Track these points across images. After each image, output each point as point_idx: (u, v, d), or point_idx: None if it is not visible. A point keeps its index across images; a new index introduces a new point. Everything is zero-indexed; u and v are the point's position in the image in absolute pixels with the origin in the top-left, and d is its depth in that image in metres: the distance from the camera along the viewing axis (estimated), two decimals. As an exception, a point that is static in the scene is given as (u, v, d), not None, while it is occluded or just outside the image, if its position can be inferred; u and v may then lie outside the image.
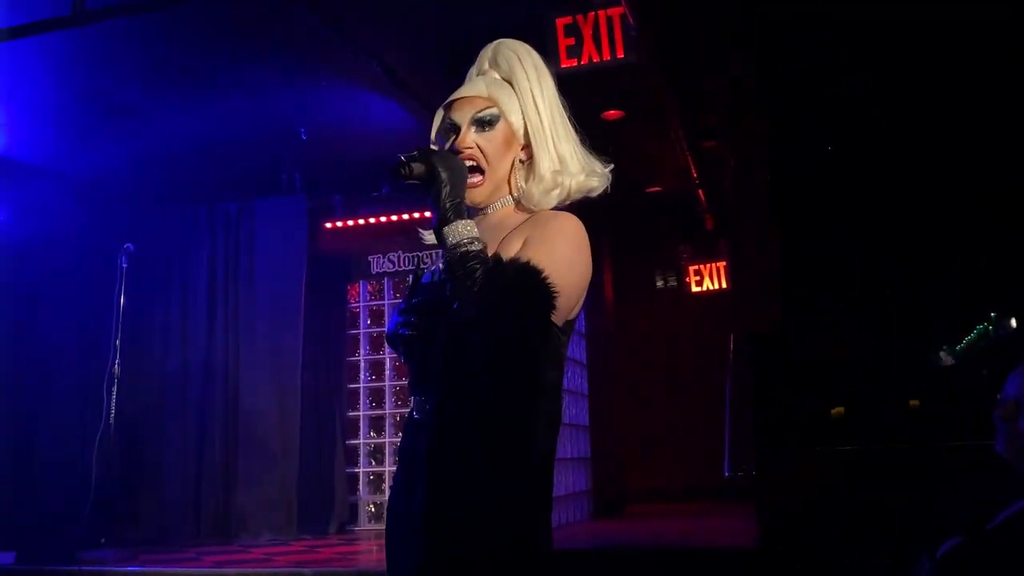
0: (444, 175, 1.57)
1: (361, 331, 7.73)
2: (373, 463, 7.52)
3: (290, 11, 4.86)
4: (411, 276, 1.79)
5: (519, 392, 1.55)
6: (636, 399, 9.30)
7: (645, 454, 9.22)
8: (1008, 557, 1.81)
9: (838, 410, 4.87)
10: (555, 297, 1.50)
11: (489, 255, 1.53)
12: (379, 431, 7.56)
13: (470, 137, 1.69)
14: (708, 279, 9.00)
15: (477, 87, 1.72)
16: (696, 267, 9.06)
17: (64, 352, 6.60)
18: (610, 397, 8.48)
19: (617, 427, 8.66)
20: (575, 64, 4.75)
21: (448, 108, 1.73)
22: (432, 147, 1.74)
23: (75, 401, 6.49)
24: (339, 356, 7.64)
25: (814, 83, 6.11)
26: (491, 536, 1.50)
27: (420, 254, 6.99)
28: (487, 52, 1.77)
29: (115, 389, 5.69)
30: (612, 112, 6.33)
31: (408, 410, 1.71)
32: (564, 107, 1.75)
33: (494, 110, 1.70)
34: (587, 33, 4.75)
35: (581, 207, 1.75)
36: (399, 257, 7.50)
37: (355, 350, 7.71)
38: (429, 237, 1.77)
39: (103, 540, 5.46)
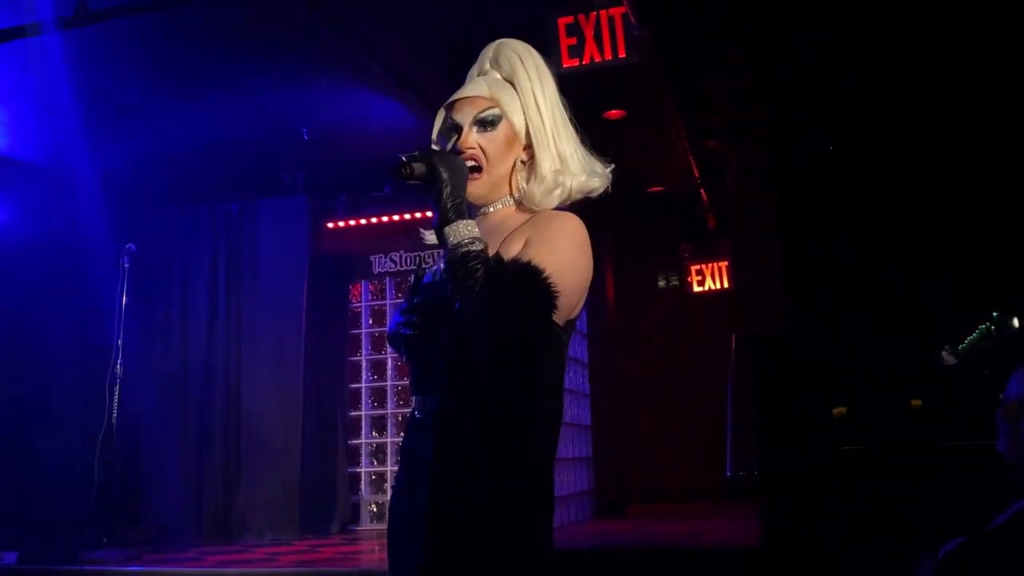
0: (445, 175, 1.56)
1: (363, 331, 7.73)
2: (375, 463, 7.52)
3: (290, 11, 4.86)
4: (413, 276, 1.79)
5: (521, 392, 1.55)
6: (638, 399, 9.29)
7: (646, 454, 9.22)
8: (1009, 557, 1.81)
9: (840, 410, 4.87)
10: (556, 297, 1.50)
11: (490, 255, 1.53)
12: (381, 431, 7.56)
13: (472, 137, 1.69)
14: (710, 279, 8.99)
15: (479, 87, 1.72)
16: (698, 267, 9.05)
17: (65, 352, 6.60)
18: (612, 397, 8.48)
19: (619, 427, 8.66)
20: (577, 64, 4.75)
21: (450, 108, 1.73)
22: (433, 147, 1.74)
23: (77, 401, 6.49)
24: (341, 356, 7.64)
25: (814, 83, 6.12)
26: (493, 536, 1.50)
27: (422, 254, 6.98)
28: (488, 52, 1.77)
29: (117, 389, 5.70)
30: (614, 112, 6.33)
31: (410, 410, 1.71)
32: (565, 107, 1.75)
33: (496, 110, 1.70)
34: (589, 33, 4.74)
35: (583, 207, 1.75)
36: (401, 257, 7.50)
37: (357, 350, 7.72)
38: (430, 237, 1.77)
39: (105, 540, 5.46)
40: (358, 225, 7.39)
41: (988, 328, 6.11)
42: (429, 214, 1.60)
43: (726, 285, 8.90)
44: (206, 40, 5.21)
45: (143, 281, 6.44)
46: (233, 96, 5.86)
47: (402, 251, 7.48)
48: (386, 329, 7.00)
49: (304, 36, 5.15)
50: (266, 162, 6.93)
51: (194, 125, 6.14)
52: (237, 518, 6.68)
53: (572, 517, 6.99)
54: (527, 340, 1.51)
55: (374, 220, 7.33)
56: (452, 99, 1.73)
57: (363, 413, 7.59)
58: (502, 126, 1.70)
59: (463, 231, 1.53)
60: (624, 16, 4.73)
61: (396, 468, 1.90)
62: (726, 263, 8.90)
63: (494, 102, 1.70)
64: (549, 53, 2.93)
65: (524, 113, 1.71)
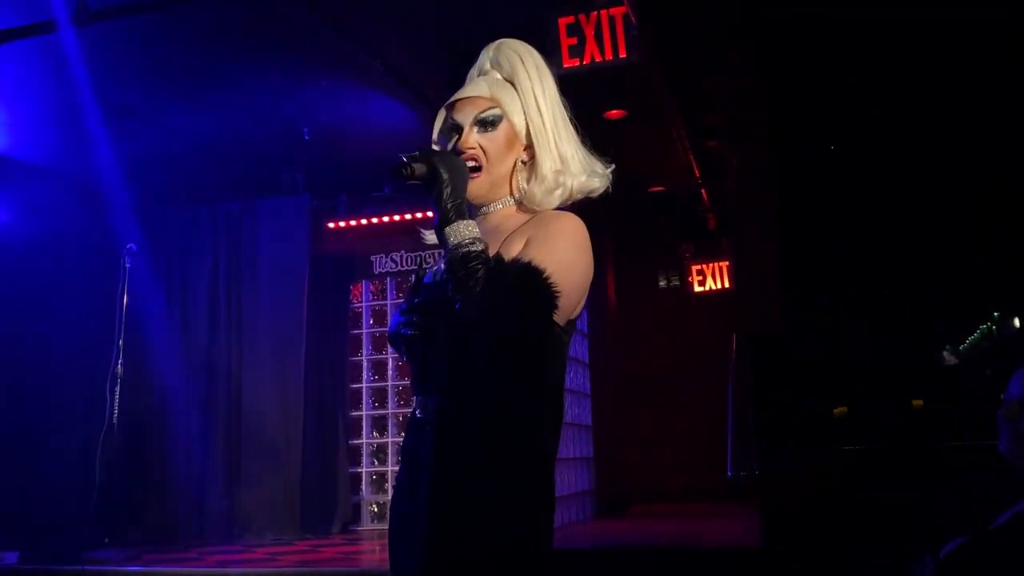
0: (445, 175, 1.56)
1: (364, 331, 7.73)
2: (376, 463, 7.52)
3: (290, 11, 4.86)
4: (414, 276, 1.79)
5: (521, 392, 1.55)
6: (638, 399, 9.30)
7: (647, 454, 9.22)
8: (1011, 557, 1.81)
9: (841, 410, 4.87)
10: (557, 297, 1.50)
11: (491, 255, 1.53)
12: (382, 431, 7.56)
13: (473, 138, 1.69)
14: (711, 279, 8.99)
15: (479, 87, 1.72)
16: (699, 267, 9.05)
17: (67, 352, 6.60)
18: (612, 397, 8.48)
19: (619, 427, 8.66)
20: (577, 64, 4.75)
21: (450, 108, 1.73)
22: (434, 147, 1.74)
23: (78, 401, 6.50)
24: (342, 356, 7.65)
25: (814, 83, 6.12)
26: (494, 536, 1.50)
27: (423, 254, 6.98)
28: (488, 52, 1.77)
29: (118, 389, 5.70)
30: (615, 112, 6.34)
31: (411, 410, 1.71)
32: (565, 107, 1.75)
33: (497, 111, 1.69)
34: (589, 33, 4.74)
35: (583, 207, 1.75)
36: (402, 257, 7.50)
37: (358, 350, 7.72)
38: (431, 237, 1.77)
39: (107, 540, 5.47)
40: (359, 225, 7.39)
41: (989, 328, 6.11)
42: (430, 214, 1.60)
43: (727, 285, 8.90)
44: (206, 40, 5.21)
45: (145, 281, 6.44)
46: (233, 96, 5.86)
47: (403, 251, 7.49)
48: (387, 329, 6.99)
49: (304, 36, 5.16)
50: (267, 162, 6.93)
51: (194, 125, 6.15)
52: (238, 518, 6.68)
53: (573, 517, 6.99)
54: (528, 340, 1.51)
55: (375, 220, 7.33)
56: (453, 99, 1.73)
57: (364, 413, 7.59)
58: (503, 126, 1.70)
59: (463, 231, 1.53)
60: (625, 16, 4.73)
61: (397, 468, 1.91)
62: (727, 263, 8.90)
63: (495, 102, 1.70)
64: (550, 53, 2.93)
65: (525, 113, 1.70)
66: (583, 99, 1.90)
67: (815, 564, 4.27)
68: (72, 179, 6.77)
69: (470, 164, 1.67)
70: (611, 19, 4.75)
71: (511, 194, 1.73)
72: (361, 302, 7.79)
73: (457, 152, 1.67)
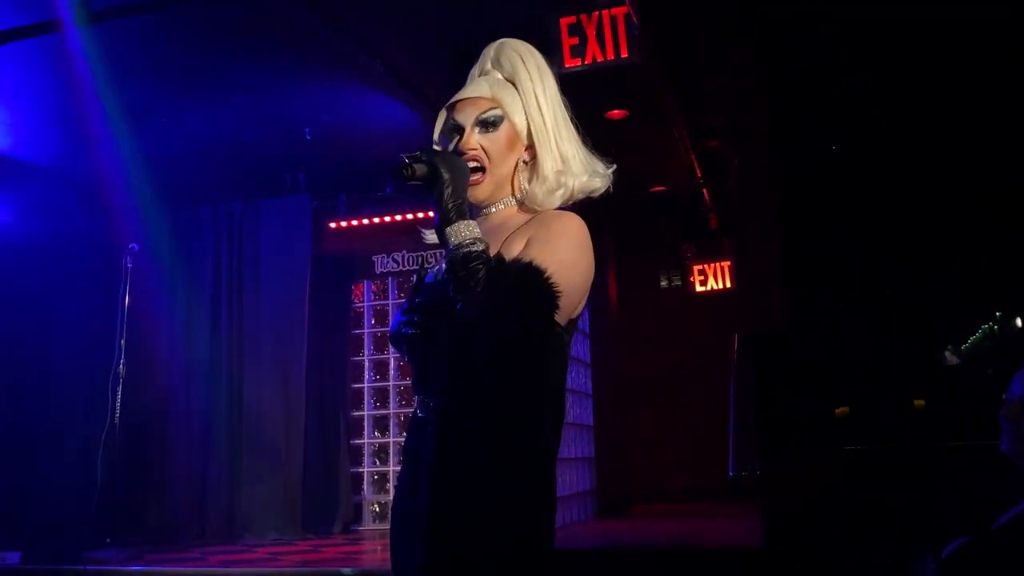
0: (446, 175, 1.56)
1: (365, 331, 7.73)
2: (377, 463, 7.52)
3: (290, 11, 4.86)
4: (415, 276, 1.79)
5: (522, 392, 1.55)
6: (640, 398, 9.29)
7: (648, 454, 9.22)
8: (1012, 557, 1.81)
9: (843, 410, 4.86)
10: (558, 297, 1.50)
11: (492, 255, 1.53)
12: (383, 431, 7.56)
13: (474, 138, 1.69)
14: (712, 279, 8.99)
15: (480, 88, 1.71)
16: (700, 266, 9.05)
17: (69, 352, 6.61)
18: (614, 397, 8.47)
19: (621, 427, 8.66)
20: (579, 64, 4.75)
21: (451, 109, 1.73)
22: (435, 147, 1.74)
23: (80, 401, 6.51)
24: (343, 356, 7.65)
25: (815, 83, 6.11)
26: (495, 536, 1.50)
27: (424, 254, 6.98)
28: (489, 52, 1.77)
29: (120, 389, 5.70)
30: (616, 112, 6.34)
31: (412, 409, 1.71)
32: (566, 107, 1.75)
33: (498, 111, 1.69)
34: (591, 33, 4.74)
35: (584, 207, 1.74)
36: (403, 257, 7.50)
37: (359, 350, 7.72)
38: (431, 237, 1.77)
39: (108, 540, 5.47)
40: (360, 225, 7.40)
41: (991, 328, 6.10)
42: (431, 214, 1.60)
43: (729, 285, 8.90)
44: (207, 40, 5.21)
45: (145, 281, 6.44)
46: (234, 96, 5.87)
47: (404, 251, 7.49)
48: (388, 329, 7.00)
49: (304, 36, 5.16)
50: (268, 162, 6.94)
51: (195, 125, 6.15)
52: (239, 518, 6.69)
53: (574, 517, 6.99)
54: (529, 340, 1.51)
55: (376, 220, 7.34)
56: (454, 100, 1.73)
57: (365, 413, 7.59)
58: (504, 126, 1.69)
59: (464, 231, 1.53)
60: (626, 16, 4.73)
61: (399, 468, 1.90)
62: (728, 263, 8.90)
63: (496, 103, 1.70)
64: (551, 53, 2.93)
65: (526, 113, 1.70)
66: (584, 99, 1.90)
67: (817, 564, 4.26)
68: (73, 179, 6.77)
69: (472, 165, 1.67)
70: (612, 19, 4.75)
71: (512, 194, 1.73)
72: (362, 302, 7.80)
73: (459, 153, 1.67)
